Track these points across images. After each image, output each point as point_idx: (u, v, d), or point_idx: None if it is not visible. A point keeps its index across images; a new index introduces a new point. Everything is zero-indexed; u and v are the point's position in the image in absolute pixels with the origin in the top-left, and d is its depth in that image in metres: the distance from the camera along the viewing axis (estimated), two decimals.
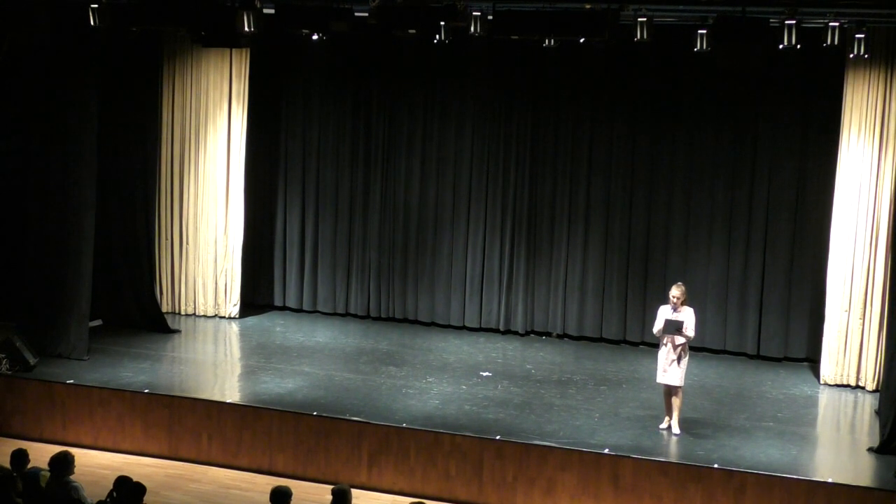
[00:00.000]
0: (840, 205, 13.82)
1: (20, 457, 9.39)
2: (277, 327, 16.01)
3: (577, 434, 11.76)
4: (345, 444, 11.80)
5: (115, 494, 8.59)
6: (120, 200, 15.37)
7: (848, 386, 13.93)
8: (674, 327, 11.65)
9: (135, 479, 8.69)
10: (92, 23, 12.33)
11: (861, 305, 13.77)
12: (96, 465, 11.93)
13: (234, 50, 15.59)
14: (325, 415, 11.99)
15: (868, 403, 13.41)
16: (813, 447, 12.12)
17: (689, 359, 11.99)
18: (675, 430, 11.92)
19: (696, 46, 11.71)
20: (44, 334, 13.84)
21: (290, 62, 16.44)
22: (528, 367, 14.42)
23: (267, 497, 8.53)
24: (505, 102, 15.75)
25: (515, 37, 12.36)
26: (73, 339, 13.88)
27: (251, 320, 16.32)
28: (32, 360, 13.28)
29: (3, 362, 13.12)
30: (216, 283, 16.30)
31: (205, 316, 16.33)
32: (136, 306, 15.50)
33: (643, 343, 15.27)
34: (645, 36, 11.68)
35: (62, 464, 9.05)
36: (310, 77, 16.50)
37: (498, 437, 11.48)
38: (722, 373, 14.39)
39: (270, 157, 16.76)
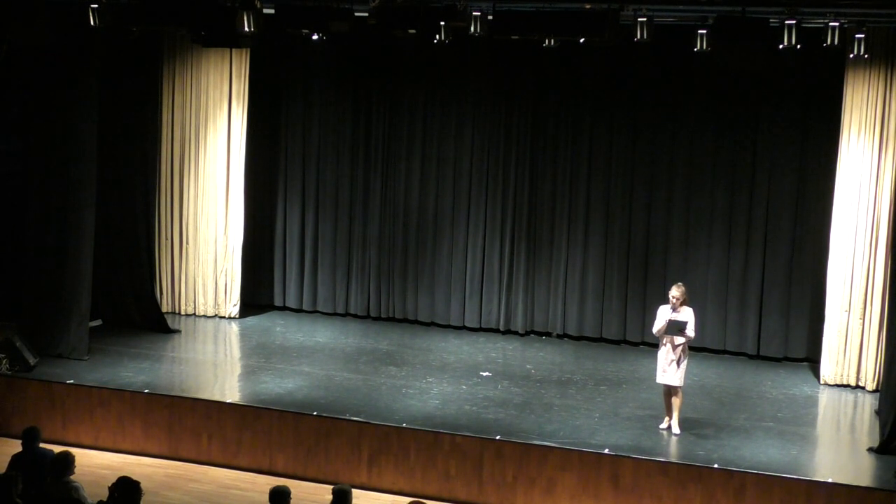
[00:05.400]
0: (840, 205, 13.82)
1: (32, 433, 9.55)
2: (277, 327, 16.01)
3: (577, 434, 11.76)
4: (345, 444, 11.80)
5: (116, 494, 8.58)
6: (120, 200, 15.36)
7: (848, 386, 13.93)
8: (676, 328, 11.64)
9: (135, 479, 8.68)
10: (92, 23, 12.32)
11: (861, 305, 13.77)
12: (96, 465, 11.93)
13: (234, 50, 15.59)
14: (325, 415, 11.99)
15: (868, 403, 13.42)
16: (813, 447, 12.13)
17: (688, 359, 12.00)
18: (675, 430, 11.92)
19: (696, 46, 11.71)
20: (44, 334, 13.84)
21: (290, 62, 16.44)
22: (528, 367, 14.42)
23: (267, 497, 8.53)
24: (505, 103, 15.75)
25: (515, 37, 12.36)
26: (73, 339, 13.87)
27: (251, 320, 16.32)
28: (32, 360, 13.28)
29: (3, 362, 13.12)
30: (216, 283, 16.31)
31: (205, 316, 16.33)
32: (136, 306, 15.50)
33: (643, 343, 15.27)
34: (645, 36, 11.68)
35: (62, 464, 9.05)
36: (310, 77, 16.50)
37: (498, 437, 11.48)
38: (722, 373, 14.39)
39: (270, 156, 16.76)
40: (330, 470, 11.80)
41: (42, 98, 14.05)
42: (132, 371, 13.44)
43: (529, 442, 11.43)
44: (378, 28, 11.63)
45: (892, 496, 10.55)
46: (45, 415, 12.68)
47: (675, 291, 11.81)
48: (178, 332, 15.46)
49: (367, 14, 11.69)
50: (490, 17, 11.58)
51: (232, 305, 16.34)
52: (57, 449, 9.49)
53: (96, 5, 12.24)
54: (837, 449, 12.19)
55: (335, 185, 16.57)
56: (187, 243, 16.32)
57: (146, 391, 12.61)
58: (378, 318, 16.51)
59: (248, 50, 15.58)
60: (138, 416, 12.50)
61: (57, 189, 14.02)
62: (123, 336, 14.94)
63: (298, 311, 16.82)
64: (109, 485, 8.49)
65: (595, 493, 11.13)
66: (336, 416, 11.95)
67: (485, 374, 14.01)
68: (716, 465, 10.97)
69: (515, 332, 15.97)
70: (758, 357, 15.03)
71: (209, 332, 15.87)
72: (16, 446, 9.94)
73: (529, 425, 12.00)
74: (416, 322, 16.35)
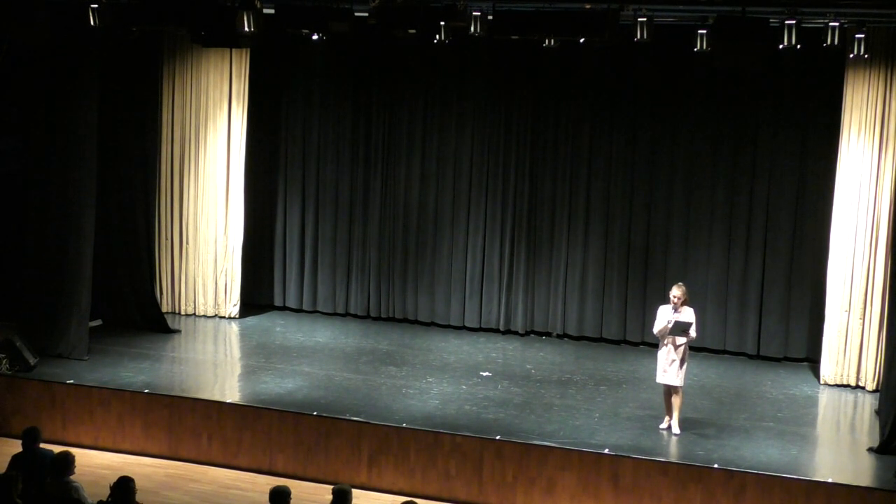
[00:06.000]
0: (840, 205, 13.82)
1: (32, 433, 9.54)
2: (277, 327, 16.01)
3: (577, 434, 11.76)
4: (345, 444, 11.80)
5: (115, 493, 8.60)
6: (120, 200, 15.37)
7: (848, 386, 13.93)
8: (680, 328, 11.63)
9: (135, 479, 8.69)
10: (92, 23, 12.33)
11: (861, 305, 13.77)
12: (96, 465, 11.93)
13: (234, 50, 15.59)
14: (325, 415, 11.99)
15: (868, 403, 13.42)
16: (813, 447, 12.13)
17: (689, 359, 12.00)
18: (675, 429, 11.92)
19: (696, 46, 11.71)
20: (44, 334, 13.84)
21: (290, 62, 16.44)
22: (528, 367, 14.42)
23: (267, 497, 8.53)
24: (505, 102, 15.75)
25: (515, 37, 12.35)
26: (73, 339, 13.87)
27: (251, 320, 16.32)
28: (32, 360, 13.28)
29: (3, 362, 13.12)
30: (216, 283, 16.30)
31: (205, 316, 16.33)
32: (136, 306, 15.50)
33: (643, 343, 15.27)
34: (645, 36, 11.69)
35: (62, 464, 9.06)
36: (310, 77, 16.50)
37: (498, 437, 11.48)
38: (722, 373, 14.39)
39: (270, 157, 16.76)
40: (330, 470, 11.80)
41: (42, 98, 14.04)
42: (132, 371, 13.44)
43: (529, 442, 11.43)
44: (378, 28, 11.62)
45: (892, 496, 10.55)
46: (45, 415, 12.68)
47: (676, 291, 11.81)
48: (178, 332, 15.47)
49: (367, 14, 11.69)
50: (490, 17, 11.58)
51: (232, 305, 16.34)
52: (57, 449, 9.49)
53: (96, 5, 12.24)
54: (837, 449, 12.18)
55: (335, 185, 16.57)
56: (187, 243, 16.32)
57: (146, 391, 12.61)
58: (378, 318, 16.51)
59: (248, 50, 15.59)
60: (138, 416, 12.50)
61: (57, 189, 14.02)
62: (123, 336, 14.94)
63: (298, 311, 16.81)
64: (110, 484, 8.53)
65: (595, 493, 11.13)
66: (336, 416, 11.96)
67: (485, 374, 14.01)
68: (716, 465, 10.97)
69: (515, 332, 15.96)
70: (758, 357, 15.02)
71: (209, 332, 15.87)
72: (16, 446, 9.94)
73: (529, 425, 12.00)
74: (416, 322, 16.35)
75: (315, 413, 12.02)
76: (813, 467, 11.52)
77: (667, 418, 12.05)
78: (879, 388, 13.02)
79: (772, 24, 11.32)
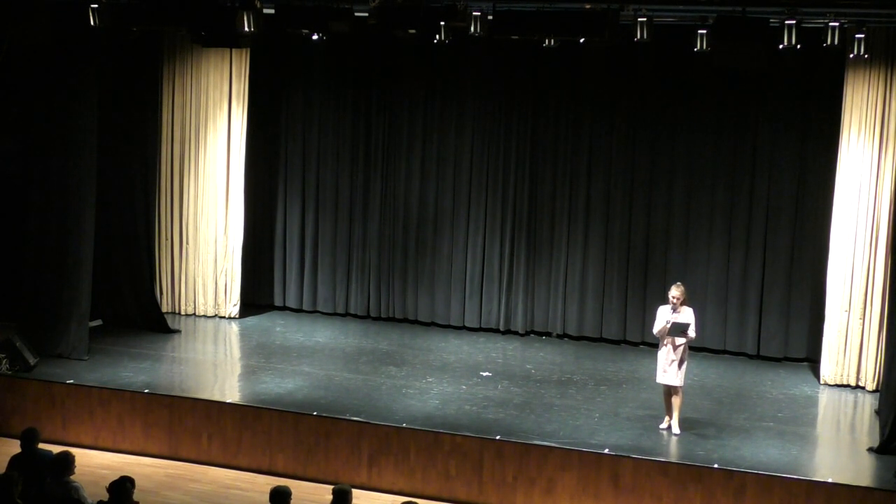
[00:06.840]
0: (840, 205, 13.83)
1: (31, 434, 9.55)
2: (277, 327, 16.01)
3: (577, 434, 11.76)
4: (345, 444, 11.81)
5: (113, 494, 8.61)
6: (120, 200, 15.36)
7: (848, 386, 13.93)
8: (679, 329, 11.63)
9: (135, 479, 8.69)
10: (92, 23, 12.33)
11: (861, 305, 13.77)
12: (96, 465, 11.93)
13: (234, 50, 15.60)
14: (325, 415, 11.99)
15: (868, 403, 13.42)
16: (813, 447, 12.13)
17: (689, 359, 12.00)
18: (675, 430, 11.92)
19: (696, 46, 11.71)
20: (44, 334, 13.84)
21: (290, 62, 16.45)
22: (528, 367, 14.42)
23: (267, 497, 8.54)
24: (505, 102, 15.75)
25: (515, 37, 12.35)
26: (73, 339, 13.88)
27: (251, 320, 16.32)
28: (32, 360, 13.28)
29: (3, 362, 13.12)
30: (216, 283, 16.31)
31: (205, 316, 16.33)
32: (136, 306, 15.50)
33: (643, 343, 15.27)
34: (645, 36, 11.69)
35: (62, 464, 9.06)
36: (310, 77, 16.50)
37: (498, 437, 11.48)
38: (722, 373, 14.39)
39: (270, 156, 16.76)
40: (330, 470, 11.80)
41: (42, 98, 14.05)
42: (132, 371, 13.44)
43: (529, 442, 11.43)
44: (378, 28, 11.62)
45: (892, 496, 10.55)
46: (45, 415, 12.68)
47: (675, 291, 11.81)
48: (178, 332, 15.47)
49: (367, 14, 11.69)
50: (490, 17, 11.58)
51: (232, 305, 16.34)
52: (57, 449, 9.50)
53: (96, 5, 12.25)
54: (837, 449, 12.18)
55: (335, 185, 16.57)
56: (187, 243, 16.32)
57: (146, 391, 12.61)
58: (378, 318, 16.51)
59: (248, 50, 15.59)
60: (138, 416, 12.50)
61: (57, 189, 14.02)
62: (123, 336, 14.94)
63: (298, 311, 16.82)
64: (107, 486, 8.54)
65: (595, 493, 11.13)
66: (336, 416, 11.96)
67: (485, 374, 14.01)
68: (716, 465, 10.97)
69: (515, 332, 15.96)
70: (758, 357, 15.02)
71: (209, 332, 15.87)
72: (16, 446, 9.92)
73: (529, 425, 12.00)
74: (416, 322, 16.35)
75: (315, 413, 12.02)
76: (813, 467, 11.53)
77: (667, 418, 12.05)
78: (879, 388, 13.02)
79: (772, 24, 11.32)
